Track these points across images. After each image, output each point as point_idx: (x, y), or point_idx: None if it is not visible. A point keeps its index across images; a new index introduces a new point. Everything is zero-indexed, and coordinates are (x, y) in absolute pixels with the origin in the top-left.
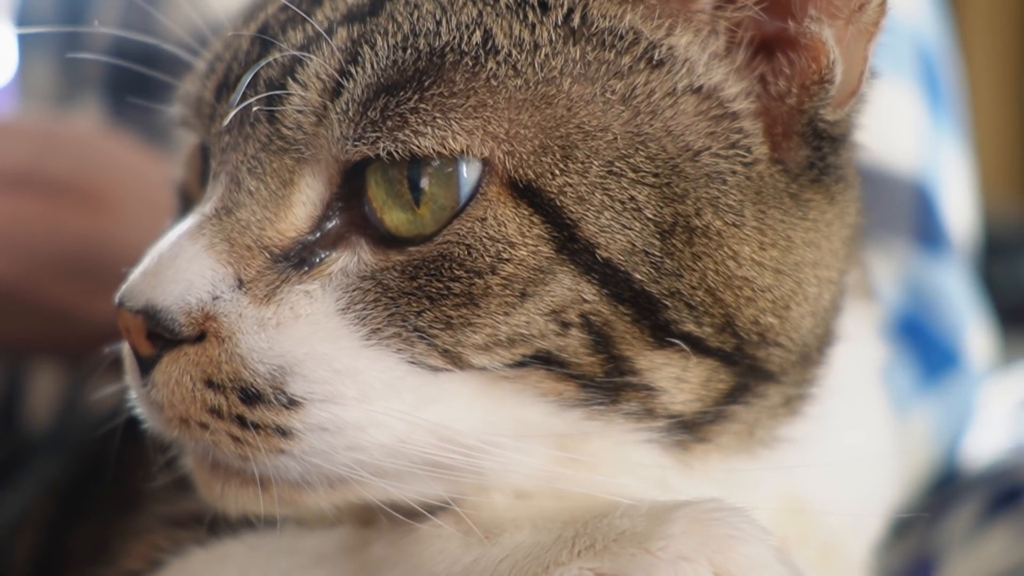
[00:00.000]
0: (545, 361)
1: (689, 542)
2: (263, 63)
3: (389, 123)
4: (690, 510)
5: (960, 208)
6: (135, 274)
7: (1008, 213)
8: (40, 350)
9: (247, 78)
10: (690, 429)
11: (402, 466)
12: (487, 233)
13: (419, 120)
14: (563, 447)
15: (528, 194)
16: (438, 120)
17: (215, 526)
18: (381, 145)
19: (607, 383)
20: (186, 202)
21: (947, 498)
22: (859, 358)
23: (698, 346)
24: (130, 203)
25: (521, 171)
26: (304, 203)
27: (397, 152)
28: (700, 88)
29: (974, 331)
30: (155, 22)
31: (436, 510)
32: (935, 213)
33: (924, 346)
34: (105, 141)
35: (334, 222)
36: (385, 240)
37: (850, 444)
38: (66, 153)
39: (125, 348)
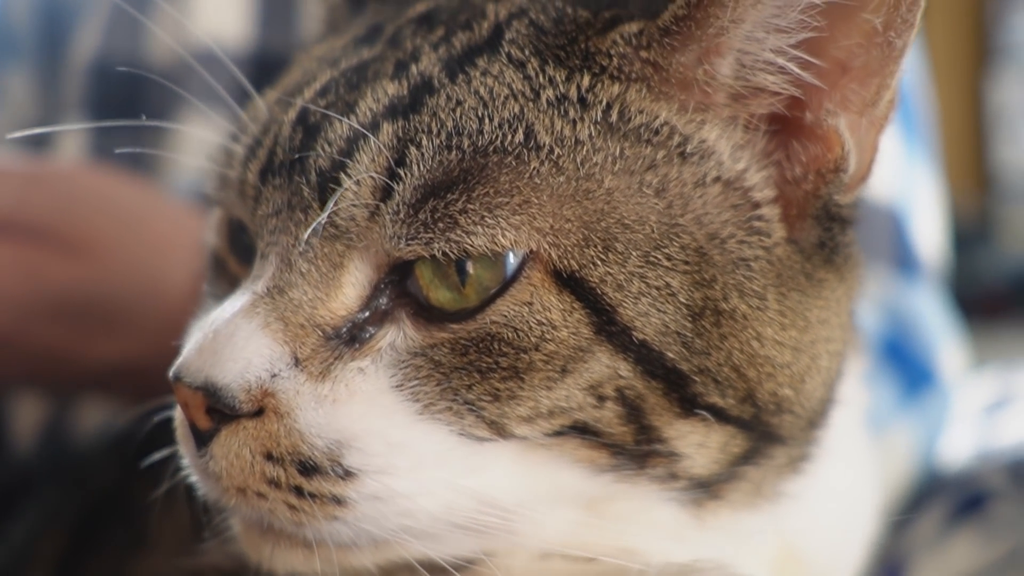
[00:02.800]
0: (581, 431)
1: None
2: (313, 155)
3: (440, 225)
4: None
5: (932, 231)
6: (190, 350)
7: (963, 207)
8: (33, 387)
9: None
10: (706, 488)
11: (444, 529)
12: (534, 317)
13: (469, 220)
14: (592, 508)
15: (571, 283)
16: (487, 220)
17: None
18: (435, 246)
19: (637, 450)
20: (219, 266)
21: (916, 504)
22: (850, 412)
23: (720, 415)
24: (120, 245)
25: (565, 262)
26: (353, 284)
27: (451, 252)
28: (726, 178)
29: (947, 348)
30: (141, 34)
31: (460, 567)
32: (908, 238)
33: (903, 366)
34: (93, 179)
35: (381, 300)
36: (426, 312)
37: (839, 489)
38: (50, 196)
39: (179, 418)
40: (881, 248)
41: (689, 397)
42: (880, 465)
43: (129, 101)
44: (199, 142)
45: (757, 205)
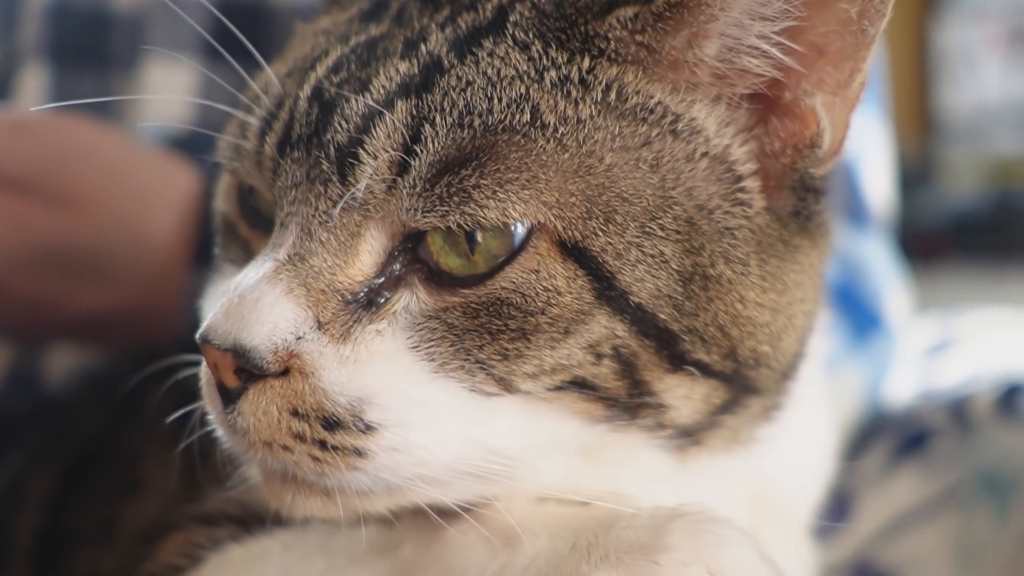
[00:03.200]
0: (580, 386)
1: (687, 550)
2: (330, 130)
3: (455, 199)
4: (684, 521)
5: (881, 181)
6: (217, 314)
7: (906, 149)
8: (13, 335)
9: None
10: (689, 435)
11: (453, 476)
12: (540, 284)
13: (482, 195)
14: (586, 455)
15: (575, 252)
16: (498, 194)
17: (248, 524)
18: (451, 219)
19: (630, 403)
20: (230, 230)
21: (863, 442)
22: (814, 363)
23: (705, 370)
24: (107, 196)
25: (569, 233)
26: (369, 252)
27: (465, 224)
28: (712, 153)
29: (893, 294)
30: None
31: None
32: (859, 189)
33: (853, 311)
34: (78, 128)
35: (395, 266)
36: (438, 277)
37: (803, 434)
38: (36, 146)
39: (205, 377)
40: (836, 199)
41: (678, 354)
42: (833, 407)
43: (91, 45)
44: (164, 87)
45: (740, 178)
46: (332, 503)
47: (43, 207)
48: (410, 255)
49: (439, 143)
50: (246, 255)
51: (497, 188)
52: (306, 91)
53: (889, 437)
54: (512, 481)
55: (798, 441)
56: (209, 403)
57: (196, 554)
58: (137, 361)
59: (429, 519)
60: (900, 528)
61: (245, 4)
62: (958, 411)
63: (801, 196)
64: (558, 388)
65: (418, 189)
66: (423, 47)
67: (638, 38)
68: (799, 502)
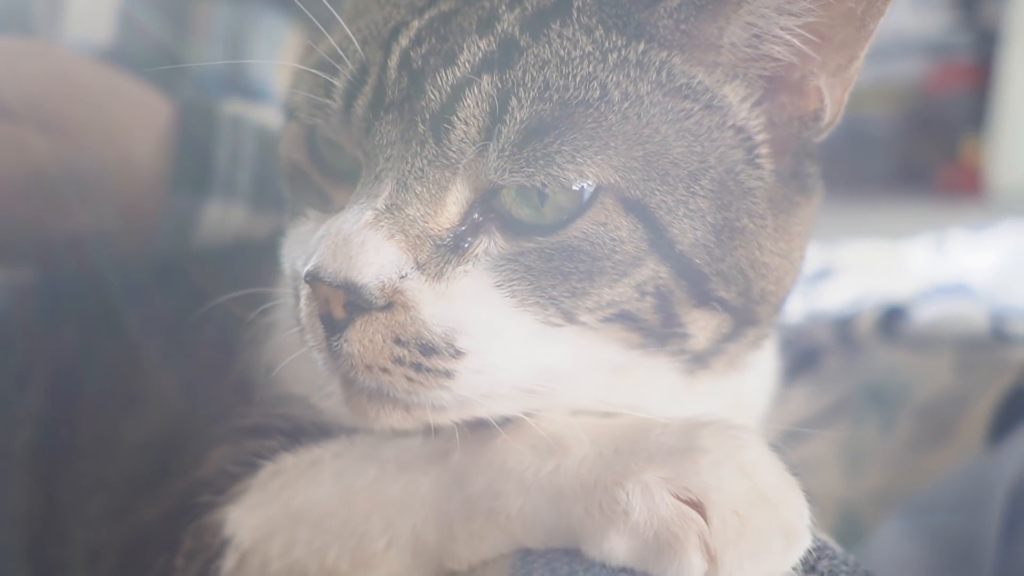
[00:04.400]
0: (624, 318)
1: (719, 451)
2: (424, 97)
3: (541, 162)
4: (712, 428)
5: None
6: (324, 255)
7: None
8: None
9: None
10: (699, 360)
11: (513, 393)
12: (608, 234)
13: (562, 159)
14: (616, 375)
15: (636, 208)
16: (576, 159)
17: (295, 436)
18: (536, 179)
19: (661, 332)
20: (301, 176)
21: None
22: None
23: (724, 305)
24: (94, 122)
25: (631, 192)
26: (455, 203)
27: (548, 184)
28: (736, 124)
29: None
30: None
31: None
32: None
33: None
34: (61, 57)
35: (475, 215)
36: (512, 225)
37: (766, 356)
38: (26, 74)
39: (306, 308)
40: None
41: (705, 292)
42: None
43: None
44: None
45: (756, 145)
46: (410, 417)
47: (36, 133)
48: (486, 205)
49: (524, 113)
50: (322, 200)
51: (575, 153)
52: (394, 60)
53: (784, 355)
54: (556, 396)
55: (763, 361)
56: (310, 332)
57: (251, 461)
58: (115, 282)
59: (469, 431)
60: (795, 437)
61: None
62: (844, 331)
63: (800, 160)
64: (607, 319)
65: (507, 152)
66: (498, 26)
67: (682, 26)
68: (757, 415)
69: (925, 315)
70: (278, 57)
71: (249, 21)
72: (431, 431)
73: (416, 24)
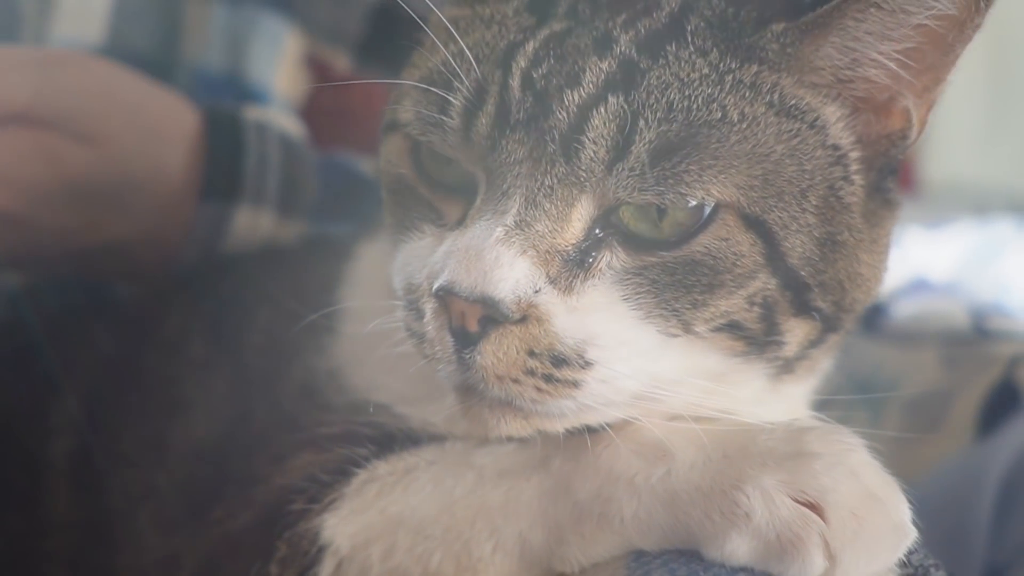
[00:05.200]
0: (732, 327)
1: (829, 455)
2: (552, 117)
3: (670, 181)
4: (817, 433)
5: None
6: (456, 271)
7: None
8: (24, 267)
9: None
10: (787, 366)
11: (626, 400)
12: (729, 249)
13: (690, 178)
14: (716, 382)
15: (756, 224)
16: (703, 177)
17: (383, 444)
18: (668, 197)
19: (763, 340)
20: (407, 191)
21: None
22: None
23: (819, 314)
24: (128, 132)
25: (751, 208)
26: (580, 219)
27: (676, 201)
28: (834, 143)
29: None
30: None
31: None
32: None
33: None
34: (98, 66)
35: (596, 230)
36: (633, 240)
37: None
38: (64, 84)
39: (435, 322)
40: None
41: (805, 302)
42: None
43: None
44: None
45: (850, 162)
46: (528, 425)
47: (73, 143)
48: (605, 221)
49: (652, 134)
50: (432, 213)
51: (701, 172)
52: (516, 80)
53: None
54: (659, 403)
55: None
56: (439, 344)
57: (342, 469)
58: (147, 290)
59: (563, 437)
60: None
61: None
62: None
63: (884, 176)
64: (717, 329)
65: (637, 172)
66: (615, 48)
67: (788, 50)
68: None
69: (905, 311)
70: (278, 60)
71: (248, 23)
72: (529, 439)
73: (532, 45)
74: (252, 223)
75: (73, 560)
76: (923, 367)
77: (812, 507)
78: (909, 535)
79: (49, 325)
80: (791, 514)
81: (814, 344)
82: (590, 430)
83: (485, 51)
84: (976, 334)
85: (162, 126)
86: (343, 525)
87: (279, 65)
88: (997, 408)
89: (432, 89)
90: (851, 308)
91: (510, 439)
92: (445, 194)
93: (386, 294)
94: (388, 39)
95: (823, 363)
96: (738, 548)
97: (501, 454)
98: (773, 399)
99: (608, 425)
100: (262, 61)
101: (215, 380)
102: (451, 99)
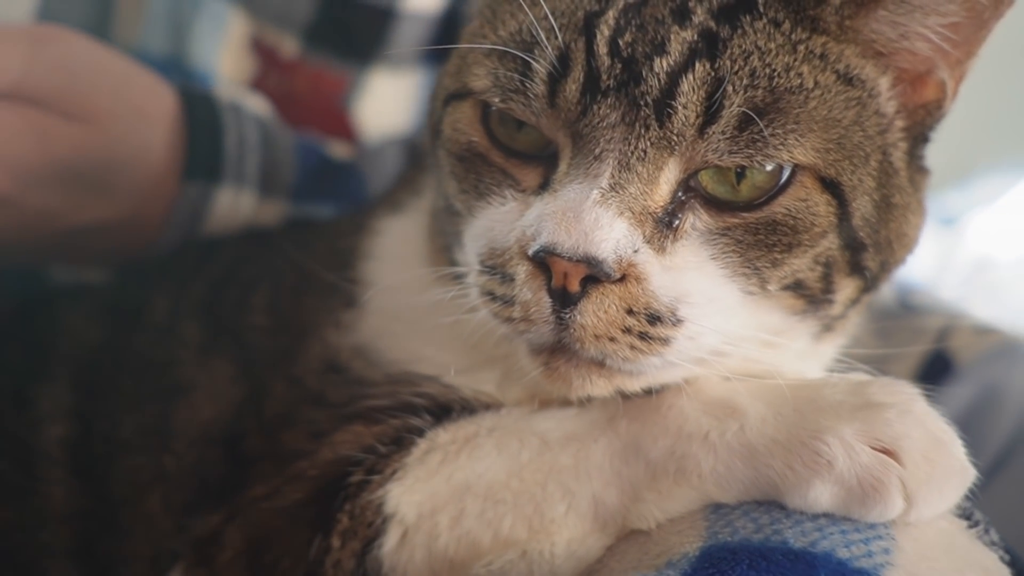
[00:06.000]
0: (797, 286)
1: (897, 405)
2: (643, 84)
3: (758, 144)
4: (879, 384)
5: None
6: (556, 232)
7: None
8: (12, 251)
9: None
10: (829, 324)
11: (699, 357)
12: (808, 209)
13: (776, 141)
14: (774, 336)
15: (831, 186)
16: (787, 141)
17: (438, 415)
18: (756, 159)
19: (820, 298)
20: (478, 158)
21: None
22: None
23: (867, 273)
24: (115, 111)
25: (828, 171)
26: (666, 182)
27: (765, 163)
28: (885, 110)
29: None
30: None
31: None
32: None
33: None
34: (85, 44)
35: (679, 193)
36: (715, 202)
37: None
38: (53, 62)
39: (526, 285)
40: None
41: (858, 261)
42: None
43: None
44: None
45: (897, 129)
46: (611, 384)
47: (62, 122)
48: (686, 185)
49: (740, 99)
50: (510, 180)
51: (786, 136)
52: (603, 47)
53: None
54: (727, 360)
55: None
56: (534, 306)
57: (399, 439)
58: (127, 275)
59: (620, 401)
60: None
61: None
62: None
63: (919, 144)
64: (784, 288)
65: (727, 135)
66: (693, 18)
67: (847, 23)
68: None
69: None
70: (222, 43)
71: (191, 4)
72: (588, 403)
73: (612, 14)
74: (233, 203)
75: (75, 550)
76: (857, 341)
77: (888, 453)
78: (971, 475)
79: (30, 308)
80: (871, 460)
81: (853, 303)
82: (650, 392)
83: (563, 20)
84: (903, 309)
85: (145, 105)
86: (408, 494)
87: (223, 48)
88: (930, 376)
89: (519, 54)
90: (892, 268)
91: (582, 400)
92: (521, 161)
93: (416, 267)
94: (337, 23)
95: (854, 322)
96: (821, 495)
97: (563, 418)
98: (812, 356)
99: (669, 385)
100: (205, 44)
101: (216, 362)
102: (536, 65)
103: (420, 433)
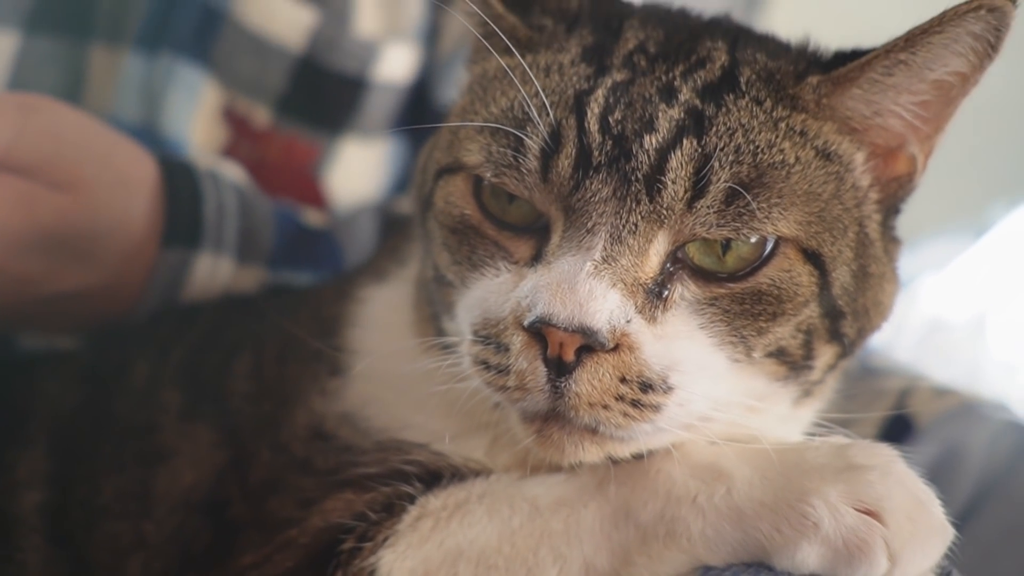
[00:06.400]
0: (779, 353)
1: (878, 468)
2: (633, 159)
3: (744, 217)
4: (858, 447)
5: None
6: (551, 304)
7: None
8: None
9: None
10: (808, 390)
11: (686, 424)
12: (791, 280)
13: (761, 215)
14: (758, 401)
15: (813, 257)
16: (771, 214)
17: (428, 482)
18: (743, 232)
19: (801, 365)
20: (470, 230)
21: None
22: None
23: (846, 340)
24: (100, 179)
25: (809, 242)
26: (656, 254)
27: (750, 235)
28: (860, 184)
29: None
30: None
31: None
32: None
33: None
34: (72, 114)
35: (668, 265)
36: (701, 273)
37: None
38: (42, 131)
39: (527, 354)
40: None
41: (837, 328)
42: None
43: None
44: None
45: (871, 202)
46: (602, 450)
47: (47, 190)
48: (674, 256)
49: (726, 174)
50: (502, 252)
51: (770, 210)
52: (594, 124)
53: None
54: (713, 426)
55: None
56: (529, 375)
57: (391, 506)
58: (104, 341)
59: (606, 466)
60: None
61: None
62: None
63: (891, 216)
64: (769, 355)
65: (715, 209)
66: (679, 96)
67: (824, 101)
68: None
69: None
70: (195, 111)
71: (164, 73)
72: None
73: (601, 92)
74: (212, 270)
75: None
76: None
77: (871, 514)
78: (950, 533)
79: (7, 374)
80: (856, 521)
81: (831, 369)
82: (639, 457)
83: (554, 97)
84: (864, 371)
85: (128, 173)
86: (400, 561)
87: (196, 117)
88: (891, 437)
89: (512, 130)
90: (868, 334)
91: (573, 466)
92: (512, 233)
93: (402, 336)
94: (309, 93)
95: (831, 387)
96: (809, 556)
97: (552, 484)
98: (793, 421)
99: (657, 450)
100: (178, 113)
101: (198, 428)
102: (529, 141)
103: (411, 500)
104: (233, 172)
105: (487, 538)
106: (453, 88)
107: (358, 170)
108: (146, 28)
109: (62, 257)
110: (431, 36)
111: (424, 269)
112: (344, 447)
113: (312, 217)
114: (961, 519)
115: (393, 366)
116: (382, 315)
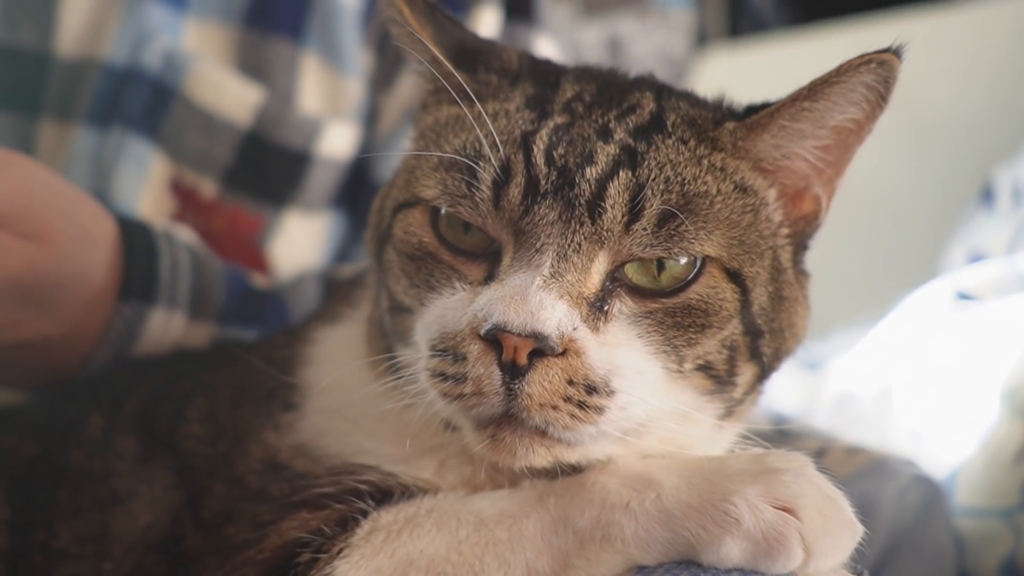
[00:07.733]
0: (705, 367)
1: (792, 470)
2: (576, 188)
3: (675, 238)
4: (774, 455)
5: None
6: (506, 312)
7: None
8: None
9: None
10: (731, 409)
11: (622, 432)
12: (717, 296)
13: (690, 237)
14: (684, 420)
15: (735, 277)
16: (700, 236)
17: (379, 499)
18: (673, 251)
19: (725, 380)
20: (427, 256)
21: None
22: None
23: (764, 359)
24: (66, 232)
25: (732, 263)
26: (597, 272)
27: (681, 255)
28: (773, 218)
29: None
30: None
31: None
32: None
33: None
34: (39, 168)
35: (607, 283)
36: (637, 290)
37: None
38: (13, 184)
39: (484, 360)
40: None
41: (757, 347)
42: None
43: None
44: None
45: (783, 235)
46: (550, 454)
47: (16, 241)
48: (612, 275)
49: (658, 201)
50: (457, 275)
51: (697, 232)
52: (540, 158)
53: None
54: (648, 436)
55: None
56: (485, 380)
57: (345, 521)
58: (58, 396)
59: (545, 483)
60: None
61: None
62: None
63: (800, 250)
64: (696, 368)
65: (649, 231)
66: (615, 136)
67: (739, 143)
68: None
69: None
70: (143, 183)
71: (114, 147)
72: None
73: (545, 132)
74: (165, 324)
75: None
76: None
77: (787, 510)
78: (859, 530)
79: None
80: (773, 516)
81: (750, 390)
82: (577, 470)
83: (503, 136)
84: (779, 434)
85: (91, 228)
86: (355, 571)
87: (145, 188)
88: None
89: (468, 162)
90: (783, 357)
91: (515, 482)
92: (465, 258)
93: (355, 367)
94: (255, 167)
95: (749, 410)
96: (732, 550)
97: (497, 498)
98: (717, 440)
99: (593, 465)
100: (128, 184)
101: (153, 470)
102: (483, 173)
103: (364, 515)
104: (186, 234)
105: (436, 548)
106: (391, 166)
107: (301, 241)
108: (98, 105)
109: (25, 305)
110: (370, 118)
111: (378, 304)
112: (299, 475)
113: (259, 280)
114: (874, 571)
115: (346, 396)
116: (335, 352)
